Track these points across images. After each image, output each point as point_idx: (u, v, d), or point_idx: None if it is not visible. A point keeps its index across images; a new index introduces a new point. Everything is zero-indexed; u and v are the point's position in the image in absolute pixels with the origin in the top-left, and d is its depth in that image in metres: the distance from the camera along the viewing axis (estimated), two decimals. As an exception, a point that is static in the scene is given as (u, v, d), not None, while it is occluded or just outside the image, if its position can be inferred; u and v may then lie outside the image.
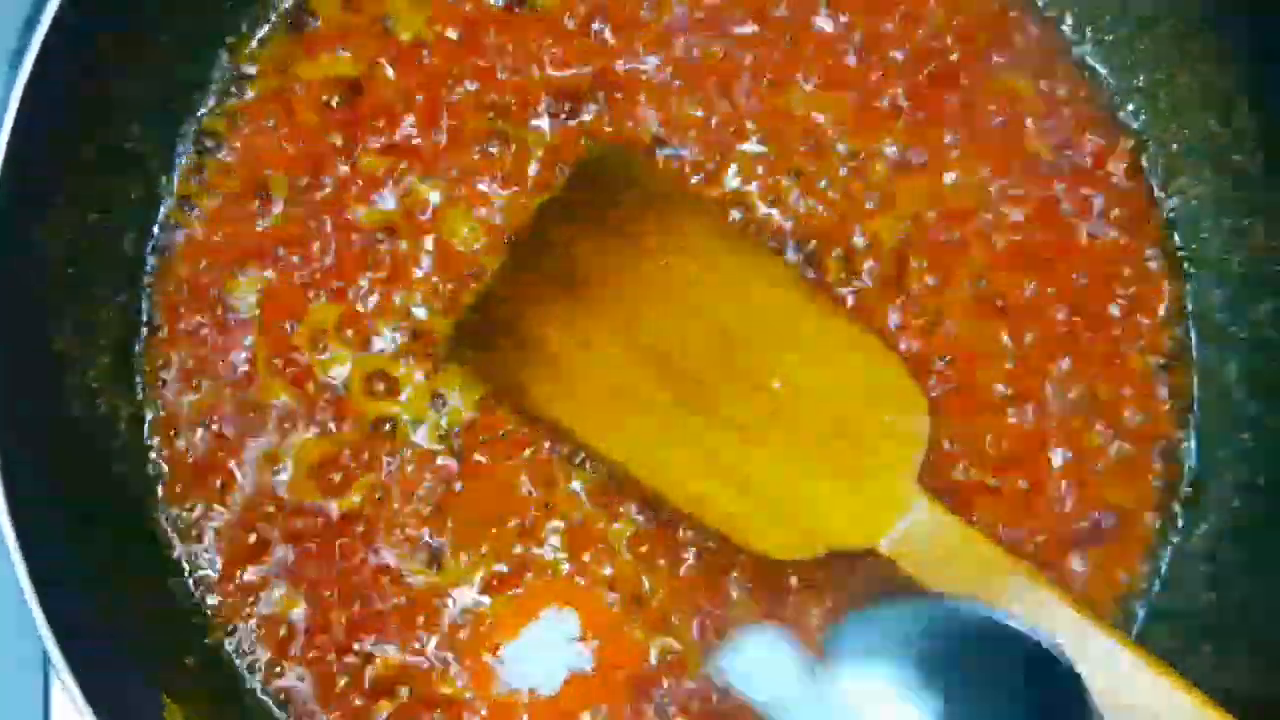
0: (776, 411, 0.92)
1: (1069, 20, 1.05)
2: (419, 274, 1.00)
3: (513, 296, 0.97)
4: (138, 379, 0.99)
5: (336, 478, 0.98)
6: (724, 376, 0.92)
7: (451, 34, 1.03)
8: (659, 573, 0.97)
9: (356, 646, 0.96)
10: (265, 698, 0.96)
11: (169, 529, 0.98)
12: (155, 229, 1.01)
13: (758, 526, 0.91)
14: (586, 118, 1.02)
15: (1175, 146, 1.03)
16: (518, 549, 0.97)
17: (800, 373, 0.92)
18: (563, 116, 1.02)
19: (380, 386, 0.99)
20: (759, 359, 0.93)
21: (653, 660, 0.96)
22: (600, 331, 0.94)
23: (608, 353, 0.94)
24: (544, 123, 1.02)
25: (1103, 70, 1.05)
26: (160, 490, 0.99)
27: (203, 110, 1.02)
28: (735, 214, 1.01)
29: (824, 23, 1.03)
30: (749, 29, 1.03)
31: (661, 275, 0.95)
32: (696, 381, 0.92)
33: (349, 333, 1.00)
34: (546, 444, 0.98)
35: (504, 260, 0.99)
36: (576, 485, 0.98)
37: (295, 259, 1.00)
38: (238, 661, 0.97)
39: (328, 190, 1.01)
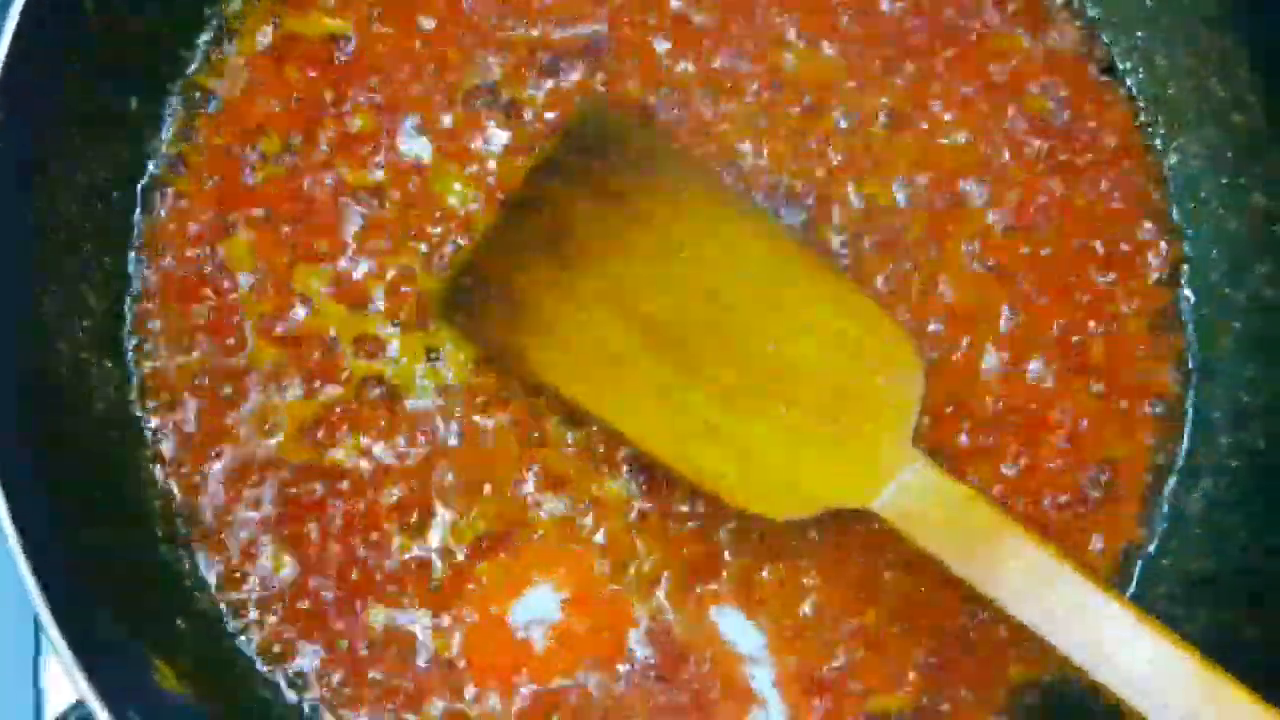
0: (769, 373, 0.91)
1: (1068, -23, 1.04)
2: (410, 233, 0.99)
3: (503, 258, 0.97)
4: (126, 343, 0.98)
5: (327, 438, 0.97)
6: (716, 339, 0.92)
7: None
8: (651, 536, 0.96)
9: (349, 607, 0.96)
10: (258, 659, 0.96)
11: (159, 493, 0.97)
12: (142, 189, 1.00)
13: (751, 487, 0.90)
14: (578, 76, 1.00)
15: (1174, 106, 1.03)
16: (508, 511, 0.97)
17: (793, 335, 0.91)
18: (557, 75, 1.00)
19: (370, 347, 0.98)
20: (751, 321, 0.92)
21: (642, 626, 0.96)
22: (590, 294, 0.93)
23: (598, 315, 0.93)
24: (537, 81, 1.01)
25: (1102, 29, 1.04)
26: (149, 454, 0.98)
27: (191, 68, 1.01)
28: (727, 175, 1.00)
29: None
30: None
31: (652, 237, 0.94)
32: (688, 344, 0.92)
33: (339, 293, 0.99)
34: (538, 403, 0.97)
35: (494, 221, 0.99)
36: (569, 448, 0.97)
37: (285, 219, 0.99)
38: (230, 624, 0.96)
39: (318, 149, 1.00)
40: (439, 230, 0.99)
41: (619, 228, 0.95)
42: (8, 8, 0.84)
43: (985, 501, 0.86)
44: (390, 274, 0.99)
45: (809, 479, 0.90)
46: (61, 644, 0.80)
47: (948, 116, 1.02)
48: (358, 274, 0.99)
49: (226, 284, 0.99)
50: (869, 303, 0.94)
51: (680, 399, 0.91)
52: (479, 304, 0.97)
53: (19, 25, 0.84)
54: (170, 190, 1.00)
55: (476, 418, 0.98)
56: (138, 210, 0.99)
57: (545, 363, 0.94)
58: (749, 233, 0.96)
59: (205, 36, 1.01)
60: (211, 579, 0.97)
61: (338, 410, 0.98)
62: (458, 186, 1.00)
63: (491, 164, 1.00)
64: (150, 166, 1.00)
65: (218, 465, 0.97)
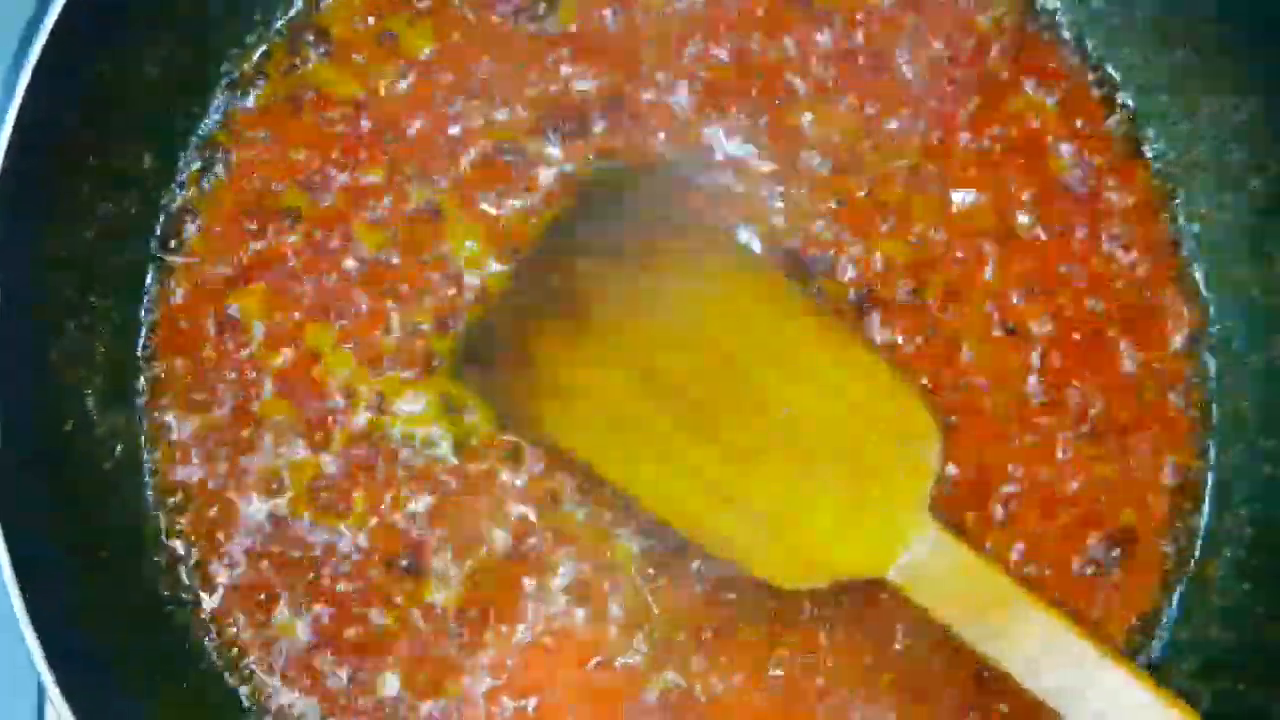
0: (783, 437, 0.90)
1: (1089, 41, 1.03)
2: (422, 290, 0.99)
3: (517, 318, 0.96)
4: (136, 398, 0.98)
5: (334, 495, 0.97)
6: (730, 402, 0.90)
7: (456, 49, 1.01)
8: (662, 598, 0.95)
9: (356, 669, 0.95)
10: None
11: (166, 552, 0.97)
12: (153, 244, 0.99)
13: (764, 554, 0.89)
14: (594, 134, 1.00)
15: (1196, 171, 1.02)
16: (512, 570, 0.96)
17: (809, 400, 0.90)
18: (569, 134, 1.00)
19: (380, 403, 0.97)
20: (766, 384, 0.91)
21: (652, 696, 0.95)
22: (604, 355, 0.92)
23: (612, 377, 0.92)
24: (549, 139, 1.00)
25: (1124, 94, 1.03)
26: (159, 514, 0.97)
27: (203, 125, 1.00)
28: (743, 235, 0.99)
29: (828, 38, 1.02)
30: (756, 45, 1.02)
31: (667, 298, 0.93)
32: (702, 407, 0.90)
33: (349, 349, 0.98)
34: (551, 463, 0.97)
35: (509, 280, 0.98)
36: (580, 507, 0.96)
37: (295, 274, 0.99)
38: (236, 686, 0.95)
39: (328, 205, 0.99)
40: (452, 290, 0.99)
41: (634, 288, 0.94)
42: (24, 60, 0.84)
43: (1000, 571, 0.85)
44: (401, 330, 0.98)
45: (821, 547, 0.88)
46: (63, 706, 0.80)
47: (967, 174, 1.01)
48: (368, 330, 0.98)
49: (237, 338, 0.98)
50: (885, 367, 0.92)
51: (693, 462, 0.90)
52: (493, 364, 0.96)
53: (33, 77, 0.84)
54: (182, 245, 0.99)
55: (483, 473, 0.97)
56: (149, 264, 0.99)
57: (559, 424, 0.93)
58: (765, 295, 0.94)
59: (218, 93, 1.01)
60: (216, 639, 0.96)
61: (346, 466, 0.97)
62: (471, 244, 0.99)
63: (504, 222, 0.99)
64: (162, 221, 0.99)
65: (225, 525, 0.97)
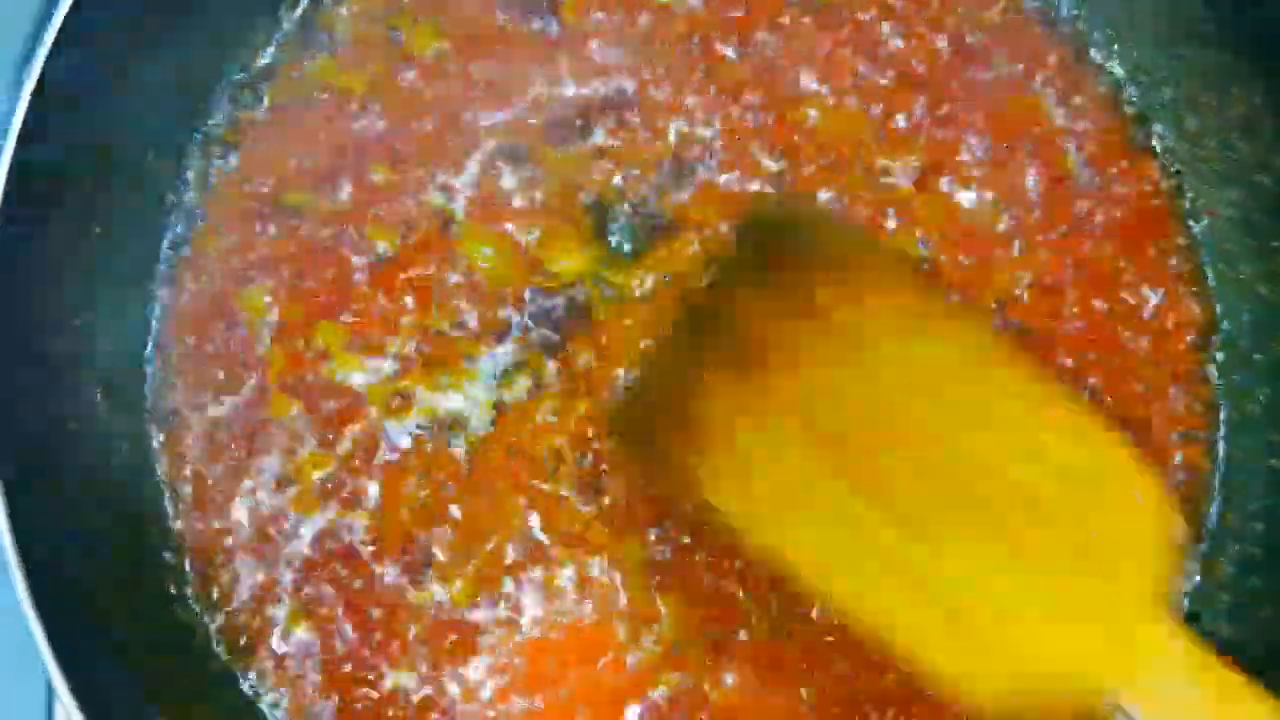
0: (982, 507, 0.74)
1: (1096, 36, 1.03)
2: (430, 289, 0.98)
3: (678, 368, 0.85)
4: (143, 397, 0.98)
5: (342, 492, 0.97)
6: (915, 464, 0.76)
7: (463, 48, 1.01)
8: (671, 600, 0.95)
9: (365, 672, 0.95)
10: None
11: (175, 549, 0.96)
12: (163, 244, 0.99)
13: (960, 654, 0.73)
14: (601, 135, 1.00)
15: (1202, 168, 1.02)
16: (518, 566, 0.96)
17: (1011, 461, 0.75)
18: (578, 133, 1.00)
19: (391, 402, 0.97)
20: (959, 443, 0.76)
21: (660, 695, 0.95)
22: (771, 407, 0.79)
23: (780, 433, 0.79)
24: (561, 138, 1.00)
25: (1130, 88, 1.03)
26: (169, 511, 0.97)
27: (211, 122, 1.00)
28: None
29: (829, 37, 1.02)
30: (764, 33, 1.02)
31: (844, 350, 0.80)
32: (881, 468, 0.76)
33: (358, 347, 0.98)
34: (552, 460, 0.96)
35: (668, 332, 0.92)
36: (588, 505, 0.96)
37: (304, 273, 0.99)
38: (241, 676, 0.95)
39: (337, 204, 0.99)
40: (466, 290, 0.98)
41: (804, 339, 0.80)
42: (31, 58, 0.84)
43: (1254, 692, 0.71)
44: (412, 329, 0.98)
45: (1038, 650, 0.72)
46: (71, 702, 0.80)
47: (974, 173, 1.01)
48: (380, 328, 0.98)
49: (244, 336, 0.98)
50: (1107, 432, 0.78)
51: (871, 534, 0.75)
52: (650, 418, 0.86)
53: (40, 75, 0.84)
54: (188, 242, 0.99)
55: (493, 473, 0.96)
56: (156, 261, 0.98)
57: (718, 485, 0.80)
58: (954, 339, 0.81)
59: (227, 90, 1.01)
60: (224, 639, 0.96)
61: (355, 463, 0.97)
62: (485, 250, 0.99)
63: (515, 225, 0.99)
64: (169, 220, 0.99)
65: (234, 524, 0.96)
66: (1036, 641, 0.72)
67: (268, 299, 0.98)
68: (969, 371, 0.79)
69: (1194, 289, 1.01)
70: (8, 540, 0.81)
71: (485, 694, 0.94)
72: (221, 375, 0.98)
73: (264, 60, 1.01)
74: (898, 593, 0.74)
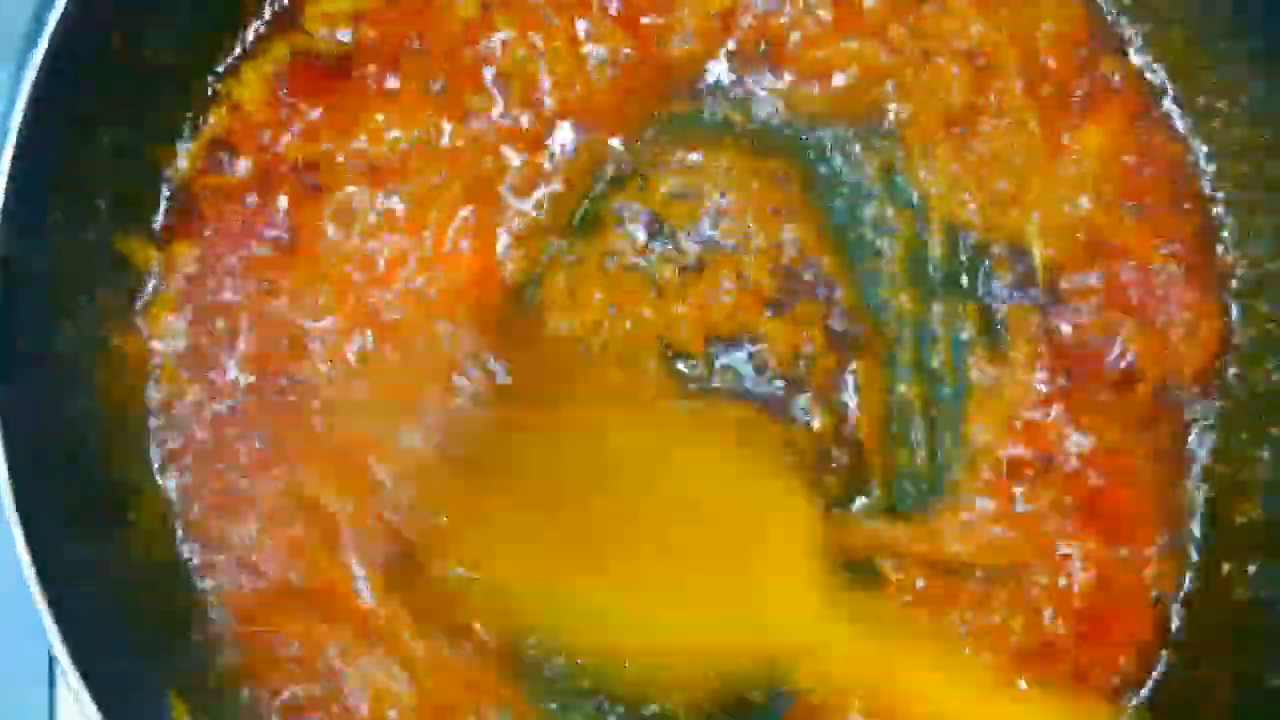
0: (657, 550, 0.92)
1: (1156, 73, 1.01)
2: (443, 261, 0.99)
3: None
4: (148, 371, 0.97)
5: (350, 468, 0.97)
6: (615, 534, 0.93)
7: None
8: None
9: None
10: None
11: (173, 519, 0.97)
12: (166, 218, 0.98)
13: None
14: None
15: (1249, 214, 1.00)
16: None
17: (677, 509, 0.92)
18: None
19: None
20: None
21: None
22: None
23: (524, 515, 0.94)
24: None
25: (1181, 125, 1.01)
26: (169, 484, 0.97)
27: (217, 93, 1.00)
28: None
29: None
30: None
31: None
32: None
33: (374, 314, 0.98)
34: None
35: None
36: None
37: (319, 245, 0.98)
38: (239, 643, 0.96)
39: (351, 172, 0.99)
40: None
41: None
42: (37, 37, 0.84)
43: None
44: (425, 303, 0.98)
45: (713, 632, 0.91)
46: (73, 672, 0.81)
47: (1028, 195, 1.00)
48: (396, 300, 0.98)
49: (240, 324, 0.98)
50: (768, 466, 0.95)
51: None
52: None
53: (45, 55, 0.84)
54: (195, 218, 0.98)
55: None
56: (153, 251, 0.98)
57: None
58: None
59: (232, 63, 1.00)
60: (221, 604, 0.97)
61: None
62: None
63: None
64: (175, 194, 0.98)
65: (233, 489, 0.97)
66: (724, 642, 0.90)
67: (280, 270, 0.98)
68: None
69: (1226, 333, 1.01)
70: (14, 521, 0.81)
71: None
72: (226, 347, 0.98)
73: (270, 29, 1.00)
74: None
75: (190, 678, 0.92)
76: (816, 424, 0.97)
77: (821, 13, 0.99)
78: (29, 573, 0.81)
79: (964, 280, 0.99)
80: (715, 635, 0.90)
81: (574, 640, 0.92)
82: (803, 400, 0.97)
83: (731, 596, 0.90)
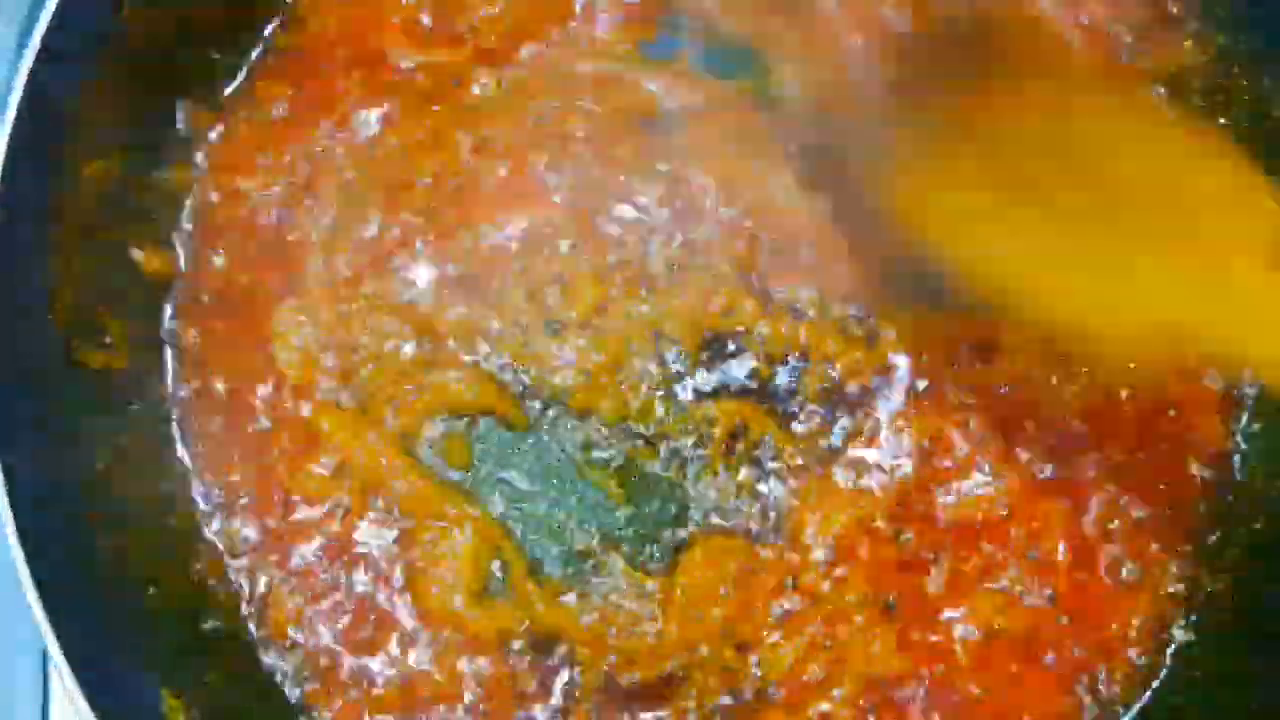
0: (1127, 214, 0.89)
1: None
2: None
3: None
4: (160, 375, 0.98)
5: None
6: (1079, 186, 0.91)
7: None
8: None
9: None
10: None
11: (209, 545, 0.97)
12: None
13: (1095, 304, 0.89)
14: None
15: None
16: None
17: (1139, 159, 0.91)
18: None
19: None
20: (1115, 174, 0.91)
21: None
22: (973, 160, 0.94)
23: (977, 180, 0.93)
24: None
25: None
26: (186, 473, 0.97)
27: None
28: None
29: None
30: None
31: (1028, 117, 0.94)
32: (1058, 198, 0.91)
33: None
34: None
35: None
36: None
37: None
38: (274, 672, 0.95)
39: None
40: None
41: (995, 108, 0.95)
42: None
43: None
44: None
45: (1162, 302, 0.87)
46: (65, 666, 0.80)
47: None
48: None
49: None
50: (1218, 144, 0.95)
51: (1040, 232, 0.90)
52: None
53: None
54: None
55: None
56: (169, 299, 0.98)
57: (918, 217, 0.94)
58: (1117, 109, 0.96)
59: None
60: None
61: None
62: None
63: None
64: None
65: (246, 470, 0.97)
66: (1172, 296, 0.86)
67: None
68: (1127, 126, 0.94)
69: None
70: (7, 516, 0.81)
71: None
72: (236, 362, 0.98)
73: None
74: (1061, 271, 0.89)
75: (185, 676, 0.91)
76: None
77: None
78: (23, 572, 0.80)
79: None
80: (1176, 309, 0.87)
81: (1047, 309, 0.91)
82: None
83: (1194, 275, 0.87)
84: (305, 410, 0.96)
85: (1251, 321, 0.84)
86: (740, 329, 0.97)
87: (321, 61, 1.00)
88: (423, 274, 0.97)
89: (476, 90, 1.00)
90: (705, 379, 0.97)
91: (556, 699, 0.94)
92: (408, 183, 0.99)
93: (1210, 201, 0.89)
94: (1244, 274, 0.85)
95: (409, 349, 0.96)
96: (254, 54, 1.00)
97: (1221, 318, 0.85)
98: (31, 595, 0.80)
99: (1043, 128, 0.94)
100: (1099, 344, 0.92)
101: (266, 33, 1.00)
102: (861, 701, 0.94)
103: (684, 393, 0.96)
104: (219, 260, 0.98)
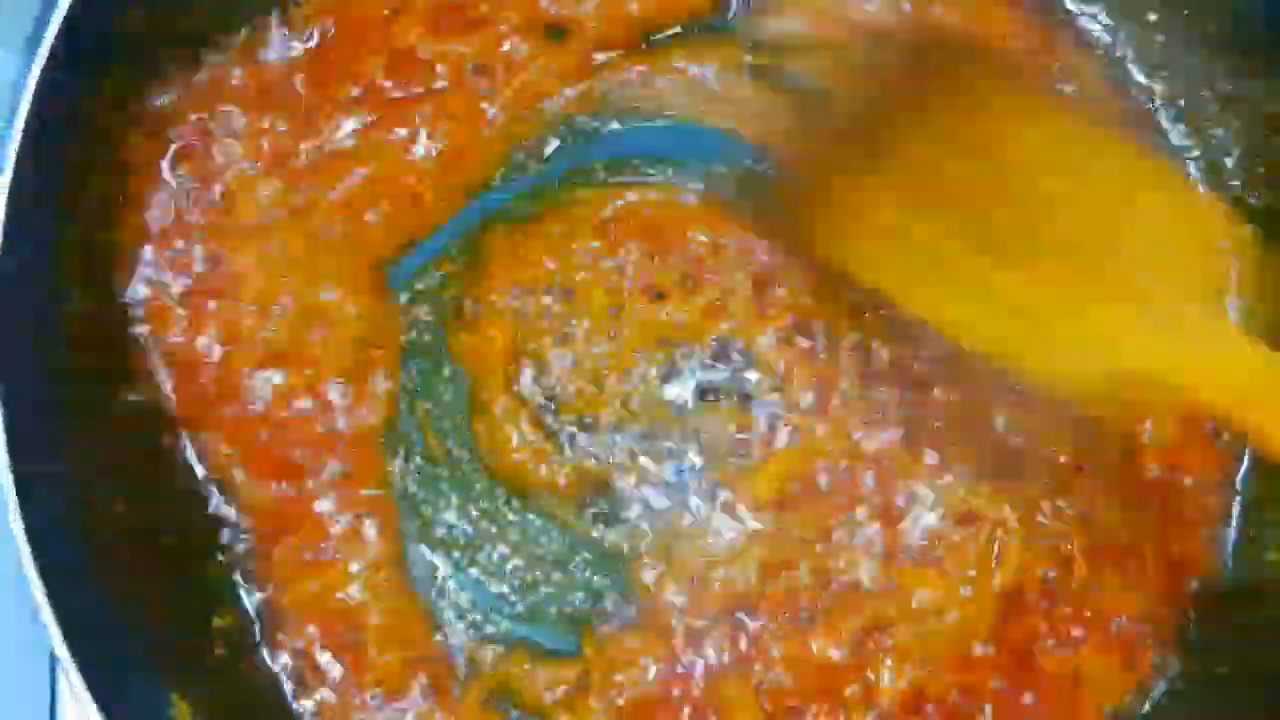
0: (1065, 242, 0.89)
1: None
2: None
3: (807, 165, 0.98)
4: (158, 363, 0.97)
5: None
6: (1018, 220, 0.90)
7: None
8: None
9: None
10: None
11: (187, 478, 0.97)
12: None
13: (1037, 349, 0.88)
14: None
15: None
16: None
17: (1092, 208, 0.90)
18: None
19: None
20: (1048, 196, 0.91)
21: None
22: (903, 189, 0.93)
23: (907, 208, 0.93)
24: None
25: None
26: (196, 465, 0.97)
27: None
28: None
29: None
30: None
31: (964, 135, 0.94)
32: (980, 220, 0.91)
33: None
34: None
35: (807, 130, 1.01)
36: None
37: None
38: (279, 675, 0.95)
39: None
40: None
41: (930, 132, 0.94)
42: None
43: None
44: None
45: (1102, 339, 0.87)
46: (74, 670, 0.80)
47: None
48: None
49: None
50: (1178, 176, 0.97)
51: (979, 273, 0.90)
52: (779, 188, 1.00)
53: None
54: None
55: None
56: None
57: (844, 249, 0.94)
58: (1060, 125, 0.95)
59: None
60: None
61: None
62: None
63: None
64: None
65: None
66: (1113, 326, 0.86)
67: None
68: (1068, 145, 0.93)
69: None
70: (15, 515, 0.81)
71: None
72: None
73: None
74: (998, 317, 0.89)
75: (193, 677, 0.91)
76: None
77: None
78: (30, 570, 0.80)
79: None
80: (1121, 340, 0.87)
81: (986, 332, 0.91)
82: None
83: (1135, 317, 0.87)
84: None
85: (1196, 361, 0.84)
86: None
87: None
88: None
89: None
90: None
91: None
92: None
93: (1151, 239, 0.89)
94: (1186, 315, 0.85)
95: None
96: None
97: (1166, 359, 0.85)
98: (40, 596, 0.80)
99: (978, 160, 0.92)
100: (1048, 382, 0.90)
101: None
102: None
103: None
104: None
